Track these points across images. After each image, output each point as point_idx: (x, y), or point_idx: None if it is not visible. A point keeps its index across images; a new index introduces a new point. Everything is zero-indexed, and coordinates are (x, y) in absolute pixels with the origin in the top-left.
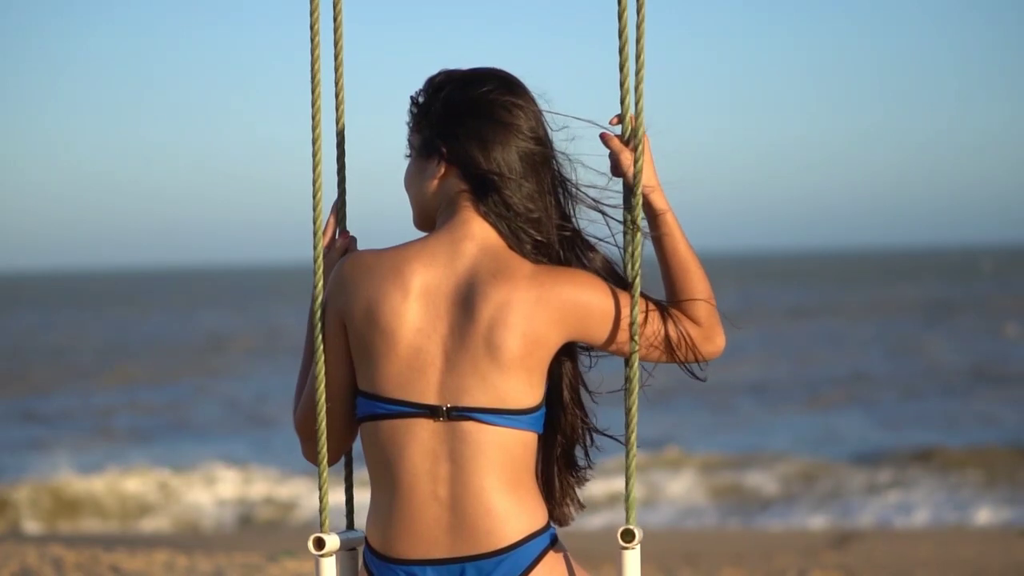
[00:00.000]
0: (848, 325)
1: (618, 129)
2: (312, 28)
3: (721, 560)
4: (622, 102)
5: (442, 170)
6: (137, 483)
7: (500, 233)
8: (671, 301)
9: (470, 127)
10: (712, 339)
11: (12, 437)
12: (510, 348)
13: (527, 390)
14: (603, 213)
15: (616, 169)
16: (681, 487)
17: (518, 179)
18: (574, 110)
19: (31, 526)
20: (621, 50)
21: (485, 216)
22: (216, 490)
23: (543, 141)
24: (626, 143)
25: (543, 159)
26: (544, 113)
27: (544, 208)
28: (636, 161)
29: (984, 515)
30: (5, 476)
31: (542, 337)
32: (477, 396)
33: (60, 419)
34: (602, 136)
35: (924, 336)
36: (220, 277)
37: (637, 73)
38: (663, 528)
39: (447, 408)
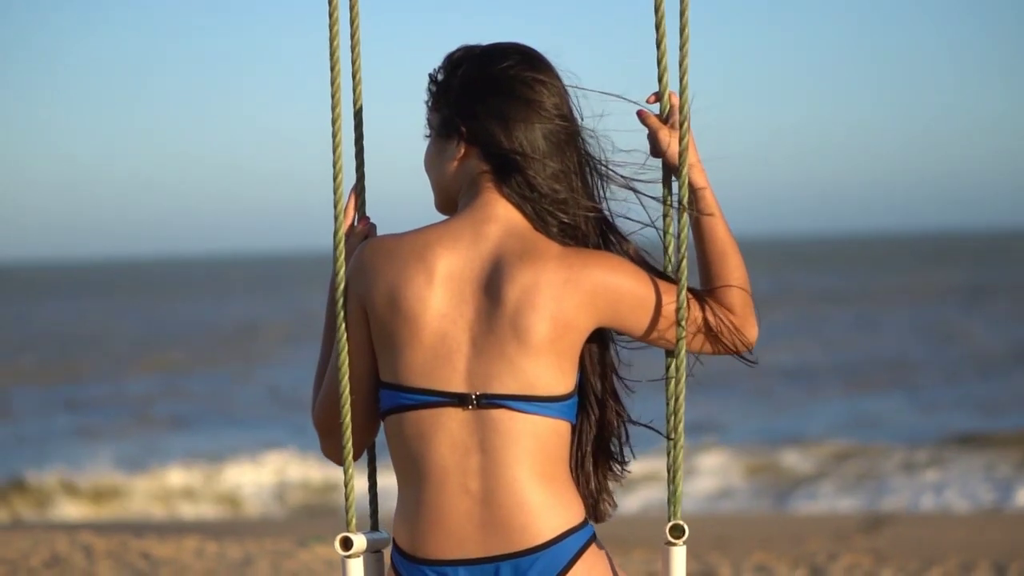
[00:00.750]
0: (883, 309)
1: (656, 108)
2: (331, 3)
3: (751, 544)
4: (660, 79)
5: (462, 150)
6: (176, 470)
7: (525, 215)
8: (705, 286)
9: (490, 105)
10: (747, 328)
11: (55, 425)
12: (538, 331)
13: (558, 376)
14: (636, 191)
15: (655, 149)
16: (713, 471)
17: (542, 158)
18: (604, 90)
19: (70, 513)
20: (658, 25)
21: (508, 197)
22: (254, 476)
23: (568, 118)
24: (664, 121)
25: (568, 137)
26: (573, 89)
27: (571, 189)
28: (682, 138)
29: (1021, 498)
30: (46, 464)
31: (571, 320)
32: (507, 382)
33: (101, 407)
34: (639, 113)
35: (961, 320)
36: (242, 265)
37: (681, 47)
38: (694, 513)
39: (476, 396)
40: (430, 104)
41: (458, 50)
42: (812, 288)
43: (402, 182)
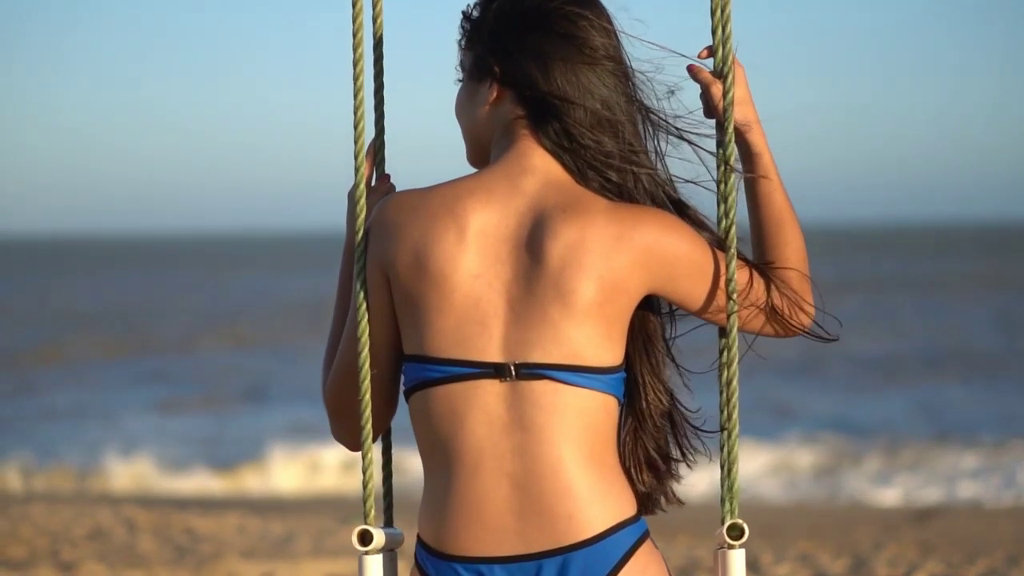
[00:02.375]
0: (954, 298)
1: (709, 64)
2: None
3: (798, 534)
4: (714, 32)
5: (495, 93)
6: (242, 445)
7: (564, 166)
8: (758, 259)
9: (527, 42)
10: (804, 307)
11: (139, 398)
12: (584, 293)
13: (606, 345)
14: (691, 143)
15: (709, 107)
16: (771, 458)
17: (584, 104)
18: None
19: (134, 485)
20: None
21: (545, 147)
22: (323, 453)
23: (616, 59)
24: (719, 77)
25: (616, 81)
26: (622, 33)
27: (618, 140)
28: (726, 93)
29: None
30: (125, 437)
31: (621, 282)
32: (549, 350)
33: (180, 381)
34: (690, 68)
35: None
36: (301, 242)
37: (724, 8)
38: (744, 500)
39: (515, 366)
40: (462, 44)
41: None
42: (878, 275)
43: (428, 139)
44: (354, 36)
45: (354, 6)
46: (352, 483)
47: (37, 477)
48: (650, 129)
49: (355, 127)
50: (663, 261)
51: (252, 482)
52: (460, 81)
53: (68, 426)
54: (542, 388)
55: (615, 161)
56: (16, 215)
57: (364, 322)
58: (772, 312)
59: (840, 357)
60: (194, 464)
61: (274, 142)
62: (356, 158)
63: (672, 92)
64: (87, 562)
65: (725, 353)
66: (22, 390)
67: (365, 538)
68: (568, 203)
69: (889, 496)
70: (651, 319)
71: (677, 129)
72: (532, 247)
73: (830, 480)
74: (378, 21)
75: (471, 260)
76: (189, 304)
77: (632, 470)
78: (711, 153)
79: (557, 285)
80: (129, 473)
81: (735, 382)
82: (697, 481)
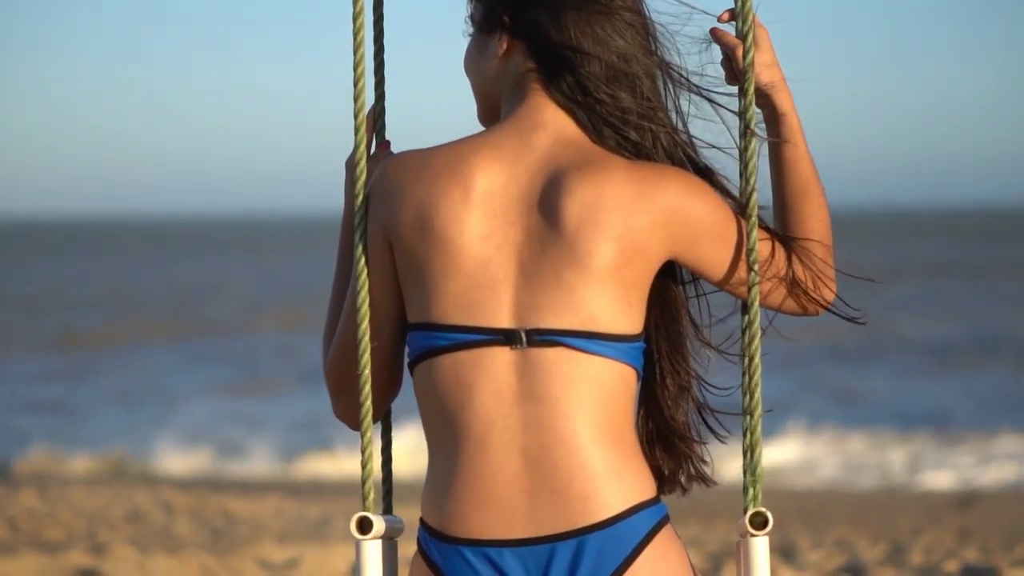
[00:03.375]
0: (1007, 284)
1: (731, 29)
2: None
3: (838, 518)
4: None
5: (504, 45)
6: (300, 430)
7: (578, 122)
8: (780, 229)
9: None
10: (827, 282)
11: (198, 380)
12: (602, 254)
13: (624, 311)
14: (713, 103)
15: (732, 72)
16: (803, 442)
17: (599, 56)
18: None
19: (191, 469)
20: None
21: (558, 101)
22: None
23: (634, 9)
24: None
25: (635, 33)
26: None
27: (635, 96)
28: (746, 53)
29: None
30: (185, 421)
31: (641, 243)
32: (563, 315)
33: (243, 362)
34: (713, 31)
35: None
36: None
37: None
38: (781, 485)
39: (526, 332)
40: None
41: None
42: (930, 260)
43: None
44: (354, 3)
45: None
46: (402, 466)
47: (89, 460)
48: (671, 86)
49: (355, 92)
50: (685, 223)
51: (318, 467)
52: (470, 35)
53: (128, 409)
54: (555, 356)
55: (632, 118)
56: (46, 196)
57: (364, 291)
58: (794, 285)
59: (894, 341)
60: (255, 448)
61: (312, 124)
62: (356, 124)
63: (707, 46)
64: (120, 545)
65: (747, 330)
66: (87, 372)
67: (364, 526)
68: (583, 160)
69: (934, 481)
70: (672, 287)
71: (699, 87)
72: (545, 206)
73: (877, 465)
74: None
75: (478, 221)
76: (241, 287)
77: (647, 446)
78: (735, 113)
79: (572, 246)
80: (187, 457)
81: (757, 359)
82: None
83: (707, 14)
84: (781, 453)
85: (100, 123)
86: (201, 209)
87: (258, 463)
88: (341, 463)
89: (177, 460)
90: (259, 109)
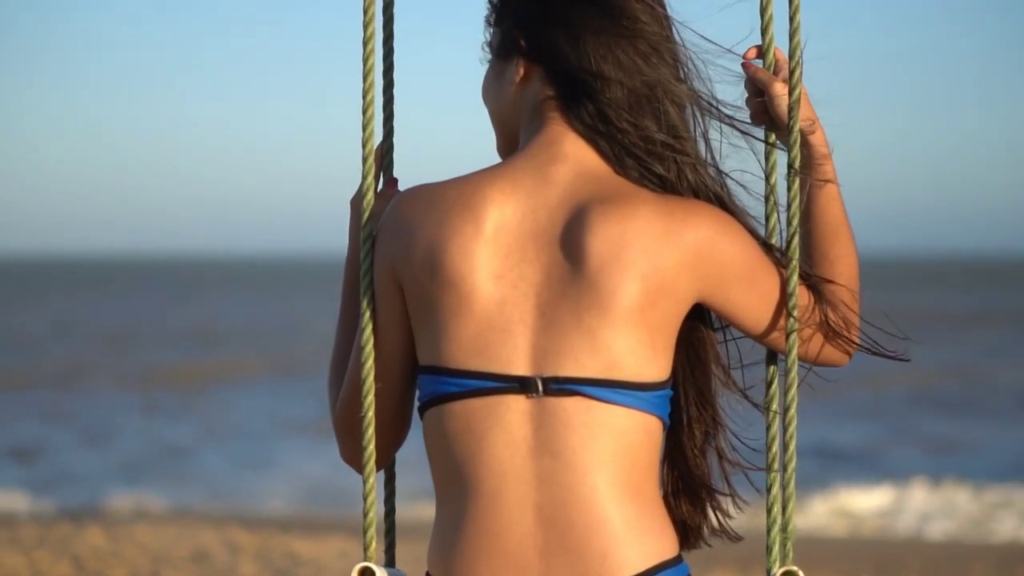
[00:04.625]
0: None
1: (758, 64)
2: None
3: (910, 570)
4: (764, 31)
5: (521, 71)
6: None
7: (600, 153)
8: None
9: (556, 12)
10: (852, 331)
11: (286, 419)
12: (626, 295)
13: (649, 356)
14: (747, 134)
15: (761, 110)
16: (889, 490)
17: (620, 81)
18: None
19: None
20: None
21: (579, 131)
22: None
23: (659, 32)
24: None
25: (658, 56)
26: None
27: (658, 123)
28: (793, 90)
29: None
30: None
31: (668, 283)
32: (584, 362)
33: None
34: (745, 66)
35: None
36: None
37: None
38: (851, 537)
39: (543, 380)
40: (490, 20)
41: None
42: (1015, 308)
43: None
44: (364, 28)
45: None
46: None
47: (159, 498)
48: (699, 116)
49: (363, 128)
50: (716, 263)
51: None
52: (487, 62)
53: (209, 447)
54: (574, 406)
55: (656, 148)
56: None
57: (368, 331)
58: (826, 333)
59: (985, 390)
60: (325, 487)
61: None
62: (364, 161)
63: (739, 80)
64: None
65: (780, 378)
66: (183, 409)
67: None
68: (607, 194)
69: (1012, 532)
70: (700, 328)
71: (732, 118)
72: (565, 244)
73: (955, 514)
74: (389, 13)
75: (491, 258)
76: (322, 325)
77: (670, 497)
78: (770, 145)
79: (594, 286)
80: (264, 496)
81: (793, 410)
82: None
83: (732, 52)
84: (866, 501)
85: (156, 159)
86: (278, 247)
87: (323, 503)
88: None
89: (250, 499)
90: (324, 146)
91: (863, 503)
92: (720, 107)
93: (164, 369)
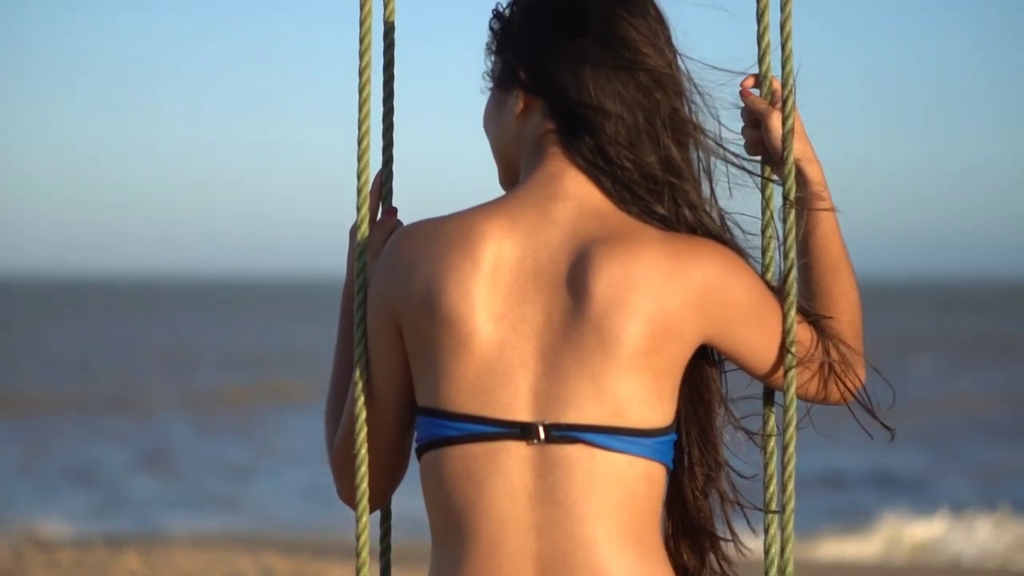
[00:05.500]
0: None
1: (755, 94)
2: None
3: None
4: (760, 60)
5: (522, 103)
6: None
7: (602, 189)
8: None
9: (557, 44)
10: (857, 369)
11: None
12: (631, 338)
13: (654, 402)
14: (749, 172)
15: (756, 141)
16: (941, 519)
17: (620, 115)
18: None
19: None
20: None
21: (580, 167)
22: None
23: (661, 66)
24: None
25: (662, 91)
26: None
27: (659, 160)
28: (786, 118)
29: None
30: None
31: (675, 326)
32: (586, 408)
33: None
34: (743, 94)
35: None
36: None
37: (784, 25)
38: (910, 565)
39: (544, 426)
40: (492, 48)
41: None
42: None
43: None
44: (361, 56)
45: (362, 8)
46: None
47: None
48: (701, 153)
49: (358, 159)
50: (722, 304)
51: None
52: (488, 91)
53: (279, 472)
54: (576, 454)
55: (657, 185)
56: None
57: (361, 366)
58: (829, 371)
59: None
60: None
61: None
62: (359, 192)
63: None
64: None
65: (774, 414)
66: (236, 432)
67: None
68: (610, 233)
69: None
70: (703, 367)
71: (737, 156)
72: (569, 285)
73: (1008, 543)
74: (390, 38)
75: (491, 298)
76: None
77: (670, 541)
78: (768, 179)
79: (598, 330)
80: (300, 520)
81: (792, 448)
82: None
83: (736, 72)
84: (922, 530)
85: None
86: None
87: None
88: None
89: (293, 524)
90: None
91: (918, 532)
92: (723, 144)
93: (216, 391)
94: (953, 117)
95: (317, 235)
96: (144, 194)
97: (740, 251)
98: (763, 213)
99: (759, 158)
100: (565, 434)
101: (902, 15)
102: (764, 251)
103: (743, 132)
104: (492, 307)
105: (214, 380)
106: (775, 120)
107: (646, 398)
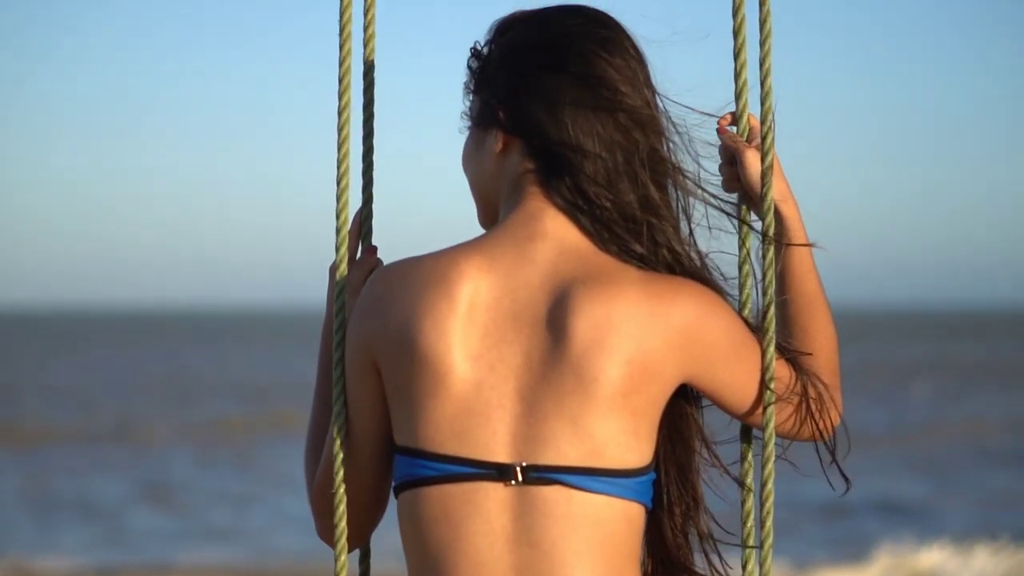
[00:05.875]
0: None
1: (732, 131)
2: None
3: None
4: (737, 98)
5: (500, 143)
6: None
7: (581, 229)
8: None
9: (535, 83)
10: (836, 406)
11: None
12: (610, 379)
13: (632, 443)
14: (726, 213)
15: (733, 177)
16: (943, 547)
17: (600, 155)
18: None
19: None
20: (736, 32)
21: (559, 207)
22: None
23: (640, 105)
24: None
25: (641, 131)
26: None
27: (639, 200)
28: (765, 155)
29: None
30: None
31: (654, 367)
32: (564, 449)
33: None
34: (720, 131)
35: None
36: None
37: (763, 63)
38: None
39: (522, 467)
40: (469, 86)
41: (509, 14)
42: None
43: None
44: (340, 95)
45: (341, 48)
46: None
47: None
48: (680, 193)
49: (337, 199)
50: (702, 344)
51: None
52: (467, 130)
53: (279, 503)
54: (554, 496)
55: (635, 226)
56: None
57: (339, 405)
58: (807, 408)
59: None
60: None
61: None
62: (338, 232)
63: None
64: None
65: (752, 450)
66: (238, 463)
67: None
68: (590, 274)
69: None
70: (681, 405)
71: (717, 196)
72: (548, 326)
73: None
74: (370, 77)
75: (468, 337)
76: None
77: None
78: (745, 222)
79: (577, 371)
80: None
81: (771, 485)
82: None
83: (710, 114)
84: (927, 558)
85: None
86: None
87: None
88: None
89: (291, 555)
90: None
91: (919, 561)
92: (701, 184)
93: (216, 422)
94: (957, 145)
95: (317, 265)
96: (141, 225)
97: (719, 290)
98: (740, 249)
99: (735, 196)
100: (543, 475)
101: (911, 41)
102: (741, 287)
103: (720, 169)
104: (469, 347)
105: (214, 411)
106: (751, 157)
107: (625, 439)
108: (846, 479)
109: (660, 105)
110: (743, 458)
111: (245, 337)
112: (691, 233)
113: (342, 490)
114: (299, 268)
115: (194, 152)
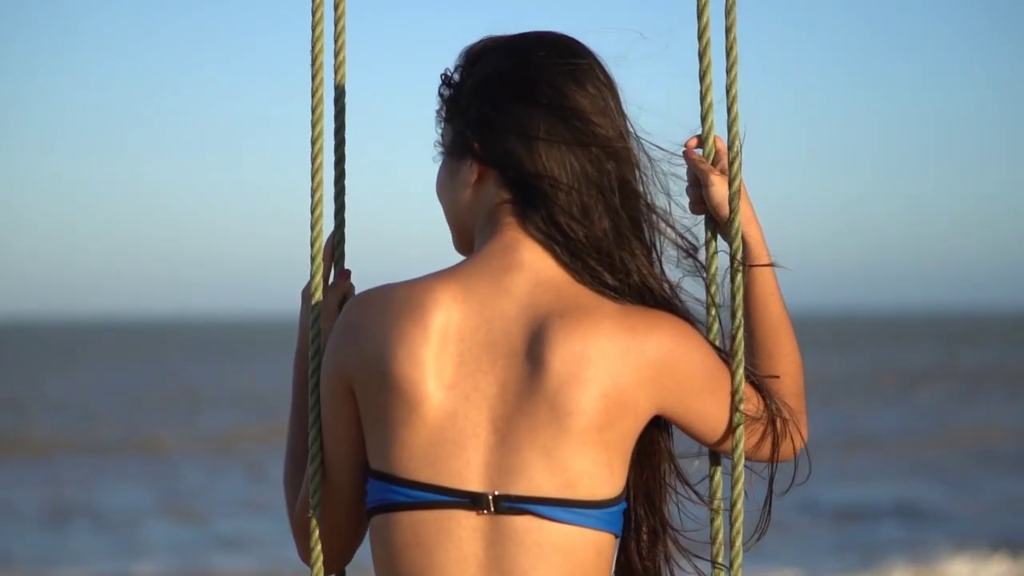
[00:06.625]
0: None
1: (698, 154)
2: (314, 16)
3: None
4: (703, 119)
5: (475, 174)
6: None
7: (558, 260)
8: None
9: (509, 114)
10: (802, 426)
11: None
12: (585, 412)
13: (604, 474)
14: (694, 249)
15: (700, 199)
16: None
17: (574, 187)
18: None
19: None
20: (702, 55)
21: (535, 237)
22: None
23: (614, 136)
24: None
25: (615, 164)
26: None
27: (613, 232)
28: (732, 180)
29: None
30: None
31: (629, 401)
32: (537, 481)
33: None
34: (687, 155)
35: None
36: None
37: (728, 70)
38: None
39: (495, 496)
40: (443, 115)
41: (479, 42)
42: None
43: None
44: (313, 125)
45: (313, 79)
46: None
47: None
48: (651, 230)
49: (312, 227)
50: (676, 377)
51: None
52: (440, 156)
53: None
54: (526, 525)
55: (609, 257)
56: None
57: (315, 431)
58: (773, 429)
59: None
60: None
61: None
62: (312, 259)
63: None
64: None
65: (718, 469)
66: (248, 473)
67: None
68: (566, 307)
69: None
70: (651, 434)
71: (684, 237)
72: (524, 358)
73: None
74: (341, 103)
75: (443, 366)
76: None
77: None
78: (713, 254)
79: (552, 404)
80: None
81: (740, 505)
82: None
83: (674, 153)
84: (950, 566)
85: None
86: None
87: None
88: None
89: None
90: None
91: (945, 567)
92: (670, 221)
93: (224, 432)
94: (960, 149)
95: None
96: (144, 236)
97: (692, 321)
98: (707, 270)
99: (702, 228)
100: (515, 505)
101: (910, 47)
102: (708, 309)
103: (687, 191)
104: (443, 375)
105: (222, 421)
106: (717, 181)
107: (598, 471)
108: (768, 515)
109: (631, 130)
110: (711, 478)
111: (247, 346)
112: (660, 264)
113: (318, 513)
114: (296, 277)
115: (195, 160)
